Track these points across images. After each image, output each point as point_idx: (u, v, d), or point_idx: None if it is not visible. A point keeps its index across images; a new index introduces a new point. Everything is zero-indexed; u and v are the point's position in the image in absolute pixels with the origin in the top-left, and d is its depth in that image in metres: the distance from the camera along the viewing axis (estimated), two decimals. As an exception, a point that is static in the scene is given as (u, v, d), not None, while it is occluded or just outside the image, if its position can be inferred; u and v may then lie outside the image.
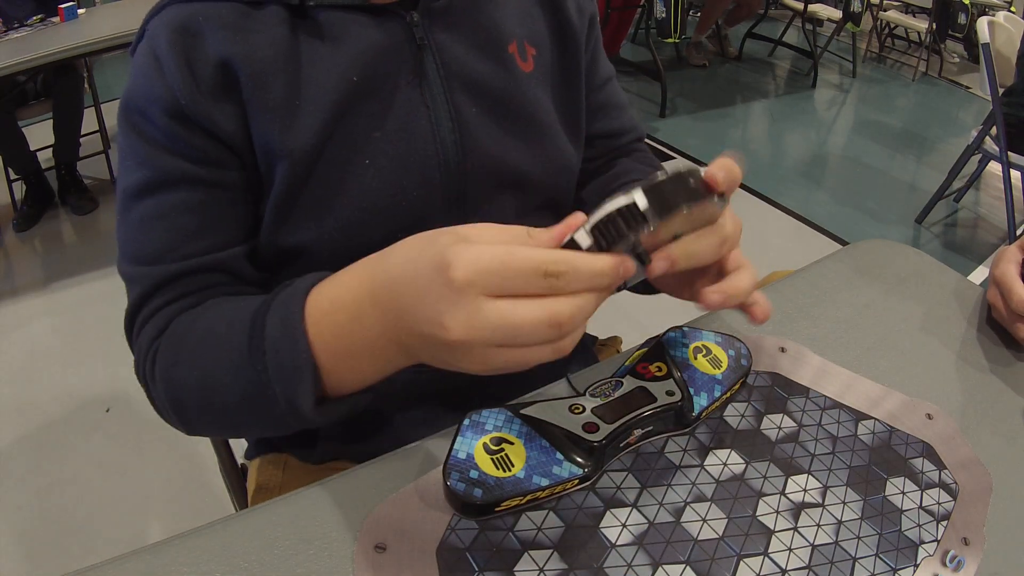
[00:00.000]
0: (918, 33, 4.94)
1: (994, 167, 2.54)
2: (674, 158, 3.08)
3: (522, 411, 0.45)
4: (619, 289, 0.42)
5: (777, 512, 0.45)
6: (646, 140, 0.76)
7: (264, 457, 0.69)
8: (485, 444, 0.43)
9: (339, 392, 0.43)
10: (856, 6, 3.99)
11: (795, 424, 0.51)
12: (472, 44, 0.57)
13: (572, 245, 0.36)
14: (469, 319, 0.33)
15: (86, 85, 2.48)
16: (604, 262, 0.35)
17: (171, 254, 0.50)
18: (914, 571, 0.42)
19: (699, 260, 0.41)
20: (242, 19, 0.50)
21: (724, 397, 0.50)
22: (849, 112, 4.01)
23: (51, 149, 2.43)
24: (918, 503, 0.47)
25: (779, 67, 4.55)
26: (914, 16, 4.78)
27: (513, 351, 0.35)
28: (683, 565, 0.41)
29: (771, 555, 0.42)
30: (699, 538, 0.43)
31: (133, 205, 0.51)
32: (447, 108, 0.55)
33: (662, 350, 0.51)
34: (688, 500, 0.45)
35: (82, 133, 2.49)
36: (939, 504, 0.47)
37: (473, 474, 0.41)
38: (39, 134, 2.43)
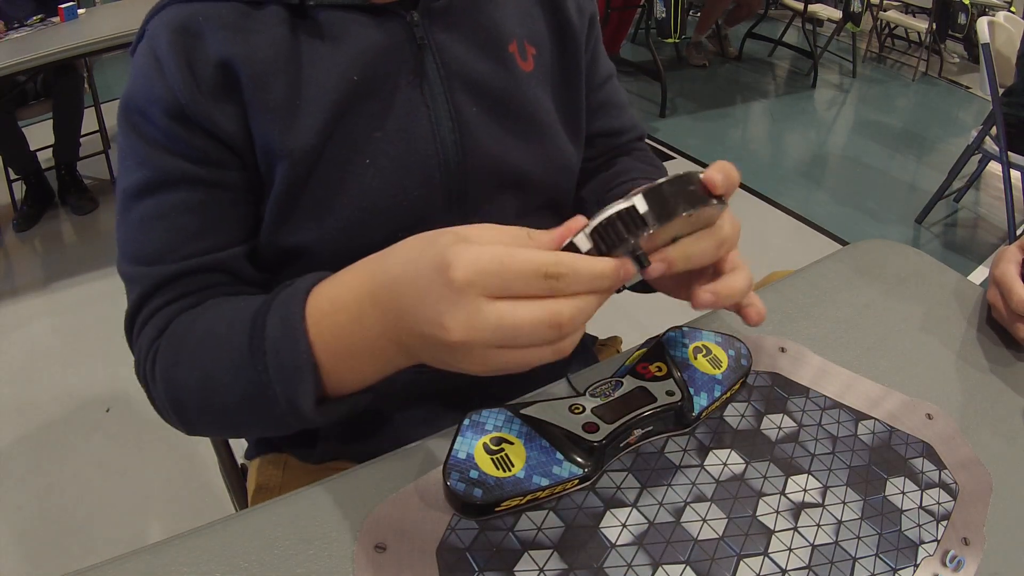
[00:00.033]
0: (918, 33, 4.94)
1: (994, 167, 2.54)
2: (674, 158, 3.08)
3: (522, 411, 0.45)
4: (619, 291, 0.42)
5: (777, 512, 0.45)
6: (646, 140, 0.76)
7: (264, 457, 0.69)
8: (485, 444, 0.43)
9: (339, 392, 0.43)
10: (856, 6, 3.99)
11: (795, 424, 0.51)
12: (472, 44, 0.57)
13: (572, 248, 0.36)
14: (469, 320, 0.33)
15: (86, 85, 2.48)
16: (605, 265, 0.35)
17: (171, 254, 0.50)
18: (914, 571, 0.42)
19: (697, 262, 0.41)
20: (242, 19, 0.50)
21: (724, 397, 0.50)
22: (849, 112, 4.01)
23: (51, 149, 2.43)
24: (918, 503, 0.47)
25: (779, 67, 4.55)
26: (914, 16, 4.78)
27: (513, 352, 0.35)
28: (683, 565, 0.41)
29: (771, 555, 0.42)
30: (699, 538, 0.43)
31: (133, 205, 0.51)
32: (447, 108, 0.55)
33: (662, 350, 0.51)
34: (688, 500, 0.45)
35: (82, 133, 2.49)
36: (939, 504, 0.47)
37: (473, 474, 0.41)
38: (39, 134, 2.43)
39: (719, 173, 0.38)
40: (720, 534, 0.43)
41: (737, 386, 0.51)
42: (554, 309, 0.34)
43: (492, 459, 0.42)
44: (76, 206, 2.47)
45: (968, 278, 0.69)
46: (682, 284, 0.48)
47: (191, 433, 0.51)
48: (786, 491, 0.46)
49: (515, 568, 0.40)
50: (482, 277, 0.33)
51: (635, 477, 0.46)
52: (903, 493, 0.47)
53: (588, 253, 0.36)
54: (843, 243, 2.38)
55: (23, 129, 2.31)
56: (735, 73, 4.32)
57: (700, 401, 0.48)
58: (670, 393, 0.47)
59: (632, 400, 0.47)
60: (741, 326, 0.59)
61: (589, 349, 0.78)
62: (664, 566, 0.41)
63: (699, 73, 4.21)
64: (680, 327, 0.55)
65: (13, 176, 2.41)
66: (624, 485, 0.45)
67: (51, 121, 2.38)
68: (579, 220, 0.37)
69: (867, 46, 5.09)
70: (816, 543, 0.43)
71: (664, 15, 3.24)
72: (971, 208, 2.92)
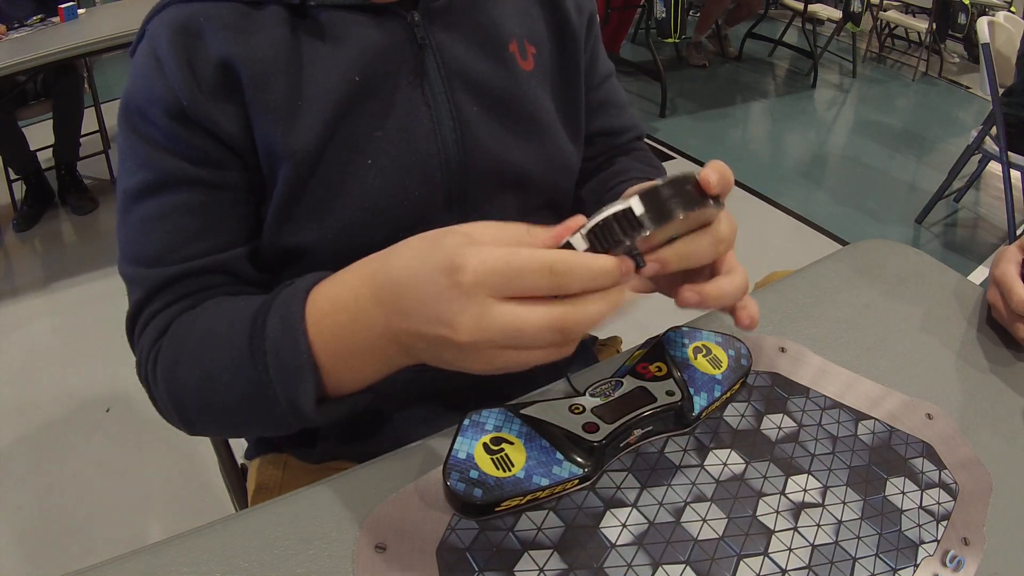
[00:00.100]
0: (918, 33, 4.94)
1: (994, 167, 2.54)
2: (674, 158, 3.08)
3: (522, 411, 0.45)
4: None
5: (777, 512, 0.45)
6: (646, 140, 0.76)
7: (264, 457, 0.69)
8: (485, 444, 0.43)
9: (340, 392, 0.44)
10: (856, 6, 3.99)
11: (795, 424, 0.51)
12: (472, 43, 0.57)
13: (568, 248, 0.37)
14: (478, 321, 0.34)
15: (86, 85, 2.48)
16: (607, 261, 0.35)
17: (172, 255, 0.50)
18: (914, 571, 0.42)
19: (692, 261, 0.41)
20: (243, 19, 0.50)
21: (724, 397, 0.50)
22: (849, 112, 4.01)
23: (51, 149, 2.43)
24: (918, 503, 0.47)
25: (779, 67, 4.55)
26: (914, 16, 4.78)
27: (518, 352, 0.35)
28: (683, 565, 0.41)
29: (771, 555, 0.42)
30: (699, 538, 0.43)
31: (133, 206, 0.51)
32: (448, 107, 0.55)
33: (662, 350, 0.51)
34: (688, 500, 0.45)
35: (82, 133, 2.49)
36: (939, 504, 0.47)
37: (473, 474, 0.41)
38: (39, 134, 2.42)
39: (715, 173, 0.39)
40: (720, 534, 0.43)
41: (737, 386, 0.51)
42: (560, 313, 0.34)
43: (492, 459, 0.42)
44: (76, 206, 2.47)
45: (968, 278, 0.69)
46: (678, 284, 0.48)
47: (192, 433, 0.51)
48: (786, 491, 0.46)
49: (515, 568, 0.40)
50: (490, 278, 0.34)
51: (635, 477, 0.46)
52: (903, 493, 0.47)
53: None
54: (843, 243, 2.38)
55: (23, 129, 2.31)
56: (735, 73, 4.32)
57: (700, 401, 0.48)
58: (670, 393, 0.47)
59: (632, 400, 0.47)
60: (741, 326, 0.59)
61: (589, 349, 0.78)
62: (664, 566, 0.41)
63: (699, 73, 4.21)
64: (680, 327, 0.55)
65: (13, 176, 2.41)
66: (624, 485, 0.45)
67: (51, 121, 2.38)
68: (579, 218, 0.37)
69: (867, 46, 5.09)
70: (816, 543, 0.43)
71: (664, 15, 3.24)
72: (971, 208, 2.92)
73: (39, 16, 2.27)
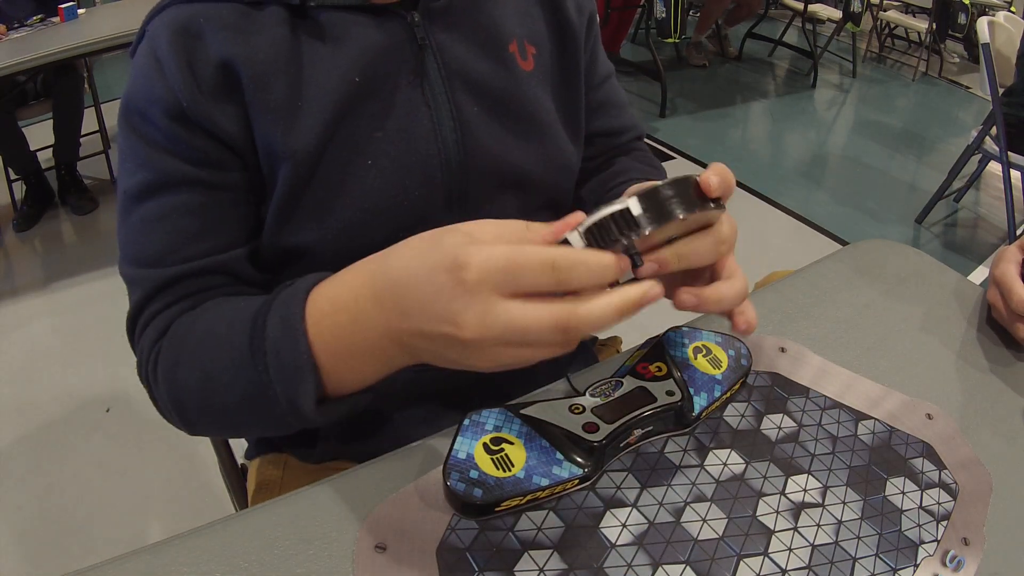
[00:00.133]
0: (918, 33, 4.94)
1: (994, 167, 2.54)
2: (674, 158, 3.08)
3: (522, 411, 0.45)
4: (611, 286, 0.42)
5: (777, 512, 0.45)
6: (646, 140, 0.76)
7: (264, 457, 0.69)
8: (485, 444, 0.43)
9: (340, 392, 0.44)
10: (856, 6, 3.99)
11: (795, 424, 0.51)
12: (473, 43, 0.57)
13: (565, 245, 0.37)
14: (483, 318, 0.34)
15: (86, 85, 2.48)
16: (608, 256, 0.36)
17: (172, 256, 0.50)
18: (914, 571, 0.42)
19: (693, 262, 0.41)
20: (243, 20, 0.50)
21: (724, 397, 0.50)
22: (849, 112, 4.01)
23: (51, 149, 2.43)
24: (918, 503, 0.47)
25: (779, 67, 4.55)
26: (914, 16, 4.78)
27: (522, 349, 0.35)
28: (683, 565, 0.41)
29: (771, 555, 0.42)
30: (699, 538, 0.43)
31: (134, 207, 0.51)
32: (448, 108, 0.55)
33: (662, 350, 0.51)
34: (688, 500, 0.45)
35: (82, 133, 2.49)
36: (939, 504, 0.47)
37: (473, 474, 0.41)
38: (39, 134, 2.42)
39: (716, 176, 0.39)
40: (720, 534, 0.43)
41: (737, 386, 0.51)
42: (564, 311, 0.34)
43: (492, 459, 0.42)
44: (76, 206, 2.47)
45: (968, 278, 0.69)
46: (680, 286, 0.48)
47: (193, 433, 0.51)
48: (786, 491, 0.46)
49: (515, 568, 0.40)
50: (493, 275, 0.34)
51: (635, 477, 0.46)
52: (903, 493, 0.47)
53: None
54: (843, 243, 2.38)
55: (23, 129, 2.31)
56: (735, 73, 4.32)
57: (700, 401, 0.48)
58: (670, 393, 0.47)
59: (632, 400, 0.47)
60: (741, 326, 0.59)
61: (589, 349, 0.78)
62: (664, 566, 0.41)
63: (699, 73, 4.21)
64: (680, 327, 0.55)
65: (13, 176, 2.41)
66: (624, 485, 0.45)
67: (51, 121, 2.38)
68: (578, 215, 0.37)
69: (867, 46, 5.09)
70: (816, 543, 0.43)
71: (664, 15, 3.24)
72: (971, 208, 2.92)
73: (39, 16, 2.27)
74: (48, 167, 2.48)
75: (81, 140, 2.50)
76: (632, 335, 0.72)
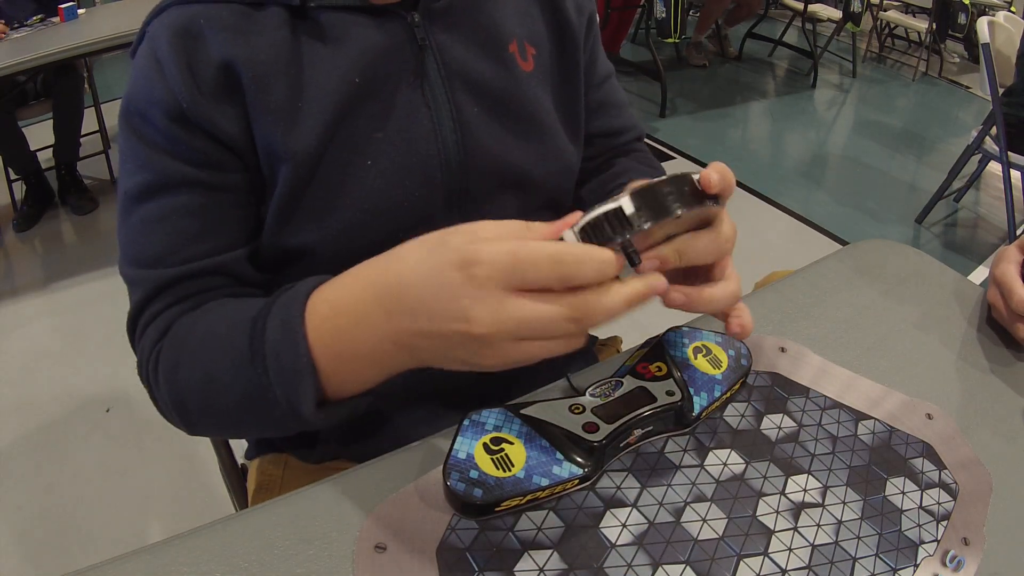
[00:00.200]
0: (918, 33, 4.94)
1: (994, 167, 2.54)
2: (674, 158, 3.08)
3: (522, 411, 0.45)
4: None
5: (777, 512, 0.45)
6: (646, 140, 0.76)
7: (264, 457, 0.69)
8: (485, 444, 0.43)
9: (340, 395, 0.44)
10: (856, 6, 3.99)
11: (795, 424, 0.51)
12: (473, 44, 0.57)
13: None
14: (494, 313, 0.34)
15: (86, 85, 2.48)
16: (608, 253, 0.36)
17: (172, 257, 0.50)
18: (914, 571, 0.42)
19: (693, 259, 0.41)
20: (243, 21, 0.50)
21: (724, 397, 0.50)
22: (849, 112, 4.01)
23: (51, 149, 2.43)
24: (918, 503, 0.47)
25: (779, 67, 4.55)
26: (914, 16, 4.78)
27: (531, 344, 0.36)
28: (683, 565, 0.41)
29: (771, 555, 0.42)
30: (699, 538, 0.43)
31: (134, 208, 0.51)
32: (449, 108, 0.55)
33: (662, 350, 0.51)
34: (688, 500, 0.45)
35: (82, 133, 2.49)
36: (939, 504, 0.47)
37: (473, 474, 0.41)
38: (39, 134, 2.43)
39: (716, 174, 0.39)
40: (720, 534, 0.43)
41: (737, 386, 0.51)
42: (574, 303, 0.35)
43: (492, 459, 0.42)
44: (76, 206, 2.47)
45: (968, 278, 0.69)
46: (679, 284, 0.48)
47: (193, 433, 0.51)
48: (786, 491, 0.46)
49: (515, 568, 0.40)
50: (502, 271, 0.34)
51: (635, 477, 0.46)
52: (903, 493, 0.47)
53: None
54: (843, 243, 2.38)
55: (23, 129, 2.31)
56: (735, 73, 4.32)
57: (700, 401, 0.48)
58: (670, 393, 0.47)
59: (632, 400, 0.47)
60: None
61: (589, 349, 0.78)
62: (664, 566, 0.41)
63: (699, 73, 4.21)
64: (680, 327, 0.55)
65: (13, 176, 2.41)
66: (624, 485, 0.45)
67: (51, 121, 2.38)
68: (576, 215, 0.38)
69: (867, 46, 5.09)
70: (816, 543, 0.43)
71: (664, 15, 3.24)
72: (971, 208, 2.92)
73: (39, 16, 2.27)
74: (48, 167, 2.48)
75: (81, 140, 2.50)
76: (632, 335, 0.72)
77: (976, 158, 2.64)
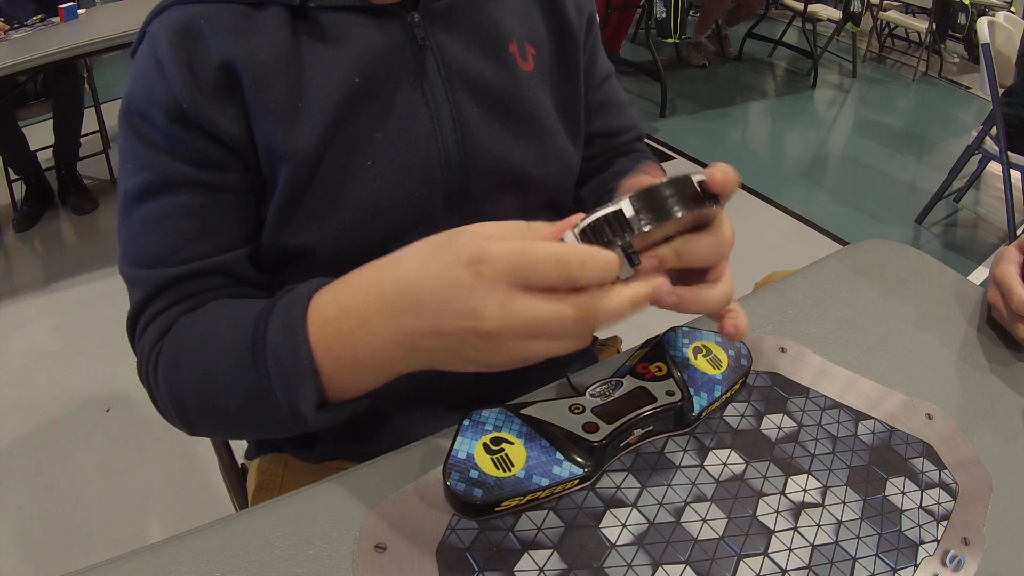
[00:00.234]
0: (918, 33, 4.94)
1: (994, 167, 2.54)
2: (674, 158, 3.08)
3: (522, 411, 0.45)
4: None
5: (777, 512, 0.45)
6: (646, 140, 0.76)
7: (264, 457, 0.69)
8: (485, 444, 0.43)
9: (341, 397, 0.43)
10: (856, 6, 3.99)
11: (795, 424, 0.51)
12: (473, 44, 0.57)
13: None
14: (502, 309, 0.34)
15: (86, 85, 2.48)
16: (611, 254, 0.36)
17: (172, 257, 0.50)
18: (914, 571, 0.42)
19: (692, 261, 0.41)
20: (243, 21, 0.50)
21: (724, 397, 0.50)
22: (849, 112, 4.01)
23: (51, 149, 2.43)
24: (918, 503, 0.47)
25: (779, 67, 4.55)
26: (914, 16, 4.78)
27: (538, 343, 0.36)
28: (683, 565, 0.41)
29: (771, 555, 0.42)
30: (699, 538, 0.43)
31: (134, 208, 0.51)
32: (449, 108, 0.55)
33: (662, 350, 0.51)
34: (688, 500, 0.45)
35: (82, 133, 2.49)
36: (939, 504, 0.47)
37: (473, 474, 0.41)
38: (39, 134, 2.43)
39: (720, 173, 0.39)
40: (720, 534, 0.43)
41: (737, 386, 0.51)
42: (582, 302, 0.35)
43: (492, 459, 0.42)
44: (76, 206, 2.47)
45: (968, 278, 0.69)
46: (677, 284, 0.48)
47: (193, 433, 0.51)
48: (786, 491, 0.46)
49: (515, 568, 0.40)
50: (510, 269, 0.34)
51: (635, 477, 0.46)
52: (903, 493, 0.47)
53: None
54: (843, 243, 2.38)
55: (23, 129, 2.32)
56: (735, 73, 4.32)
57: (700, 401, 0.48)
58: (670, 393, 0.47)
59: (632, 400, 0.47)
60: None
61: (589, 349, 0.78)
62: (664, 566, 0.41)
63: (699, 73, 4.21)
64: (680, 327, 0.55)
65: (13, 176, 2.41)
66: (624, 485, 0.45)
67: (51, 121, 2.38)
68: (578, 215, 0.38)
69: (867, 46, 5.09)
70: (816, 543, 0.43)
71: (664, 15, 3.24)
72: (971, 208, 2.92)
73: (39, 16, 2.27)
74: (48, 167, 2.48)
75: (81, 140, 2.50)
76: (632, 335, 0.72)
77: (976, 158, 2.64)
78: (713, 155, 3.14)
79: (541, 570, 0.40)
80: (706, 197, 0.39)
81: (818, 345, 0.59)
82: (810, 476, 0.47)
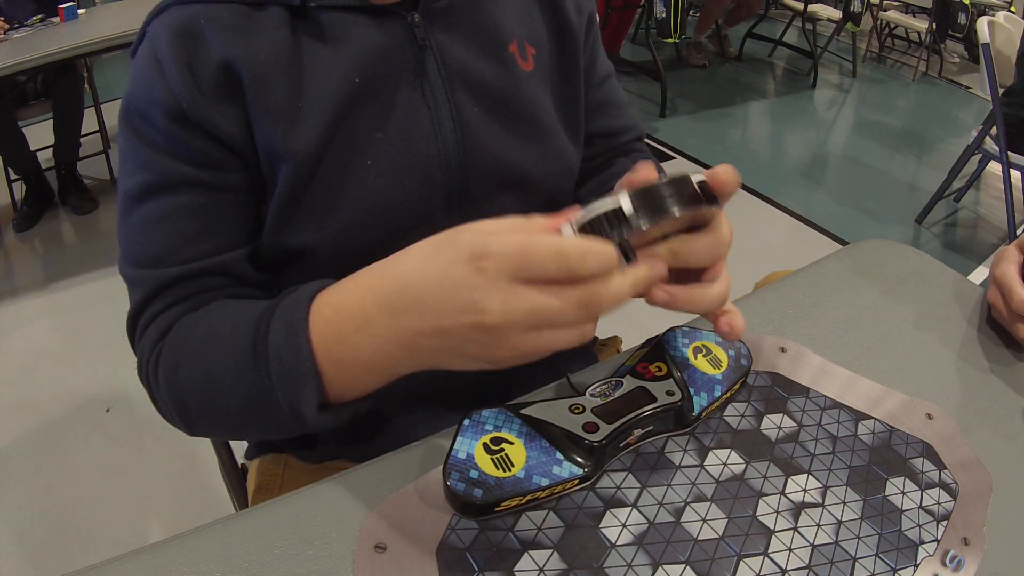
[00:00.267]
0: (918, 33, 4.94)
1: (994, 167, 2.54)
2: (674, 158, 3.08)
3: (522, 411, 0.45)
4: None
5: (777, 512, 0.45)
6: (646, 140, 0.76)
7: (264, 457, 0.69)
8: (485, 444, 0.43)
9: (342, 398, 0.43)
10: (856, 6, 3.99)
11: (795, 424, 0.51)
12: (473, 44, 0.57)
13: None
14: (505, 303, 0.34)
15: (86, 85, 2.48)
16: (610, 247, 0.36)
17: (172, 257, 0.50)
18: (914, 571, 0.42)
19: (688, 261, 0.41)
20: (243, 21, 0.50)
21: (724, 397, 0.50)
22: (849, 112, 4.01)
23: (51, 149, 2.43)
24: (918, 503, 0.47)
25: (779, 67, 4.55)
26: (914, 16, 4.78)
27: (542, 335, 0.36)
28: (683, 565, 0.41)
29: (771, 555, 0.42)
30: (699, 538, 0.43)
31: (134, 208, 0.51)
32: (449, 108, 0.55)
33: (662, 350, 0.51)
34: (688, 500, 0.45)
35: (82, 133, 2.49)
36: (939, 504, 0.47)
37: (473, 474, 0.41)
38: (39, 134, 2.43)
39: (723, 174, 0.39)
40: (720, 534, 0.43)
41: (737, 386, 0.51)
42: (583, 291, 0.35)
43: (492, 459, 0.42)
44: (76, 206, 2.47)
45: (968, 278, 0.69)
46: (675, 284, 0.48)
47: (193, 434, 0.51)
48: (786, 491, 0.46)
49: (515, 568, 0.40)
50: (511, 263, 0.34)
51: (635, 477, 0.46)
52: (903, 493, 0.47)
53: None
54: (843, 243, 2.38)
55: (23, 129, 2.32)
56: (735, 73, 4.32)
57: (700, 401, 0.48)
58: (670, 393, 0.47)
59: (632, 400, 0.47)
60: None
61: (589, 349, 0.78)
62: (664, 566, 0.41)
63: (699, 73, 4.21)
64: (680, 327, 0.55)
65: (13, 176, 2.41)
66: (624, 485, 0.45)
67: (51, 121, 2.38)
68: (576, 209, 0.38)
69: (867, 46, 5.09)
70: (816, 543, 0.43)
71: (664, 15, 3.24)
72: (971, 208, 2.92)
73: (39, 16, 2.27)
74: (48, 167, 2.48)
75: (81, 140, 2.50)
76: (632, 335, 0.72)
77: (976, 158, 2.64)
78: (713, 155, 3.14)
79: (541, 570, 0.40)
80: (705, 197, 0.39)
81: (818, 345, 0.59)
82: (810, 476, 0.47)
